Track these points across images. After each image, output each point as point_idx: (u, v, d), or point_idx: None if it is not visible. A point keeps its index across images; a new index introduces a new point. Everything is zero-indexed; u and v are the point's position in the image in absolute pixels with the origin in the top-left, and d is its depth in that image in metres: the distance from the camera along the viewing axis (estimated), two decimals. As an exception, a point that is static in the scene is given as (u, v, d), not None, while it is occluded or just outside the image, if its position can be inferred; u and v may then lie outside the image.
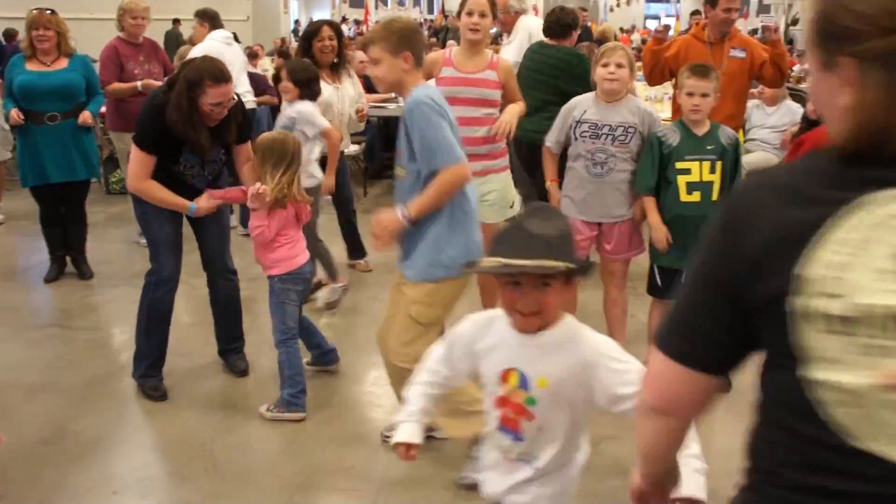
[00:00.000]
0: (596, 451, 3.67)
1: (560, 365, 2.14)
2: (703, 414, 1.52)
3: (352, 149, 7.09)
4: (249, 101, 6.74)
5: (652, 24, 40.16)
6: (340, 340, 4.71)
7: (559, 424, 2.21)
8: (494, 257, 2.02)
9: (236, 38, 7.49)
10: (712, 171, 4.03)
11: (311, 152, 4.99)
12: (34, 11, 5.66)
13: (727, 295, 1.31)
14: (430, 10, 46.28)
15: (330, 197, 5.74)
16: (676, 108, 5.59)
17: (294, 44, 13.58)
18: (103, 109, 6.48)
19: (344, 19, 29.62)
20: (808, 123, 4.91)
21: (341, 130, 5.49)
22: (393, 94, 6.11)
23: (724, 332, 1.35)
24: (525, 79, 5.38)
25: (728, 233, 1.34)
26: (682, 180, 4.04)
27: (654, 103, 8.02)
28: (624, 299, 4.52)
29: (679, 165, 4.03)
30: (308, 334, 4.32)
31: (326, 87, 5.35)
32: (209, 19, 7.19)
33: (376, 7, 36.42)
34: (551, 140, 4.34)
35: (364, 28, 24.39)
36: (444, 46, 14.04)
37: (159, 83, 5.76)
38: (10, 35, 12.50)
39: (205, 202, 4.09)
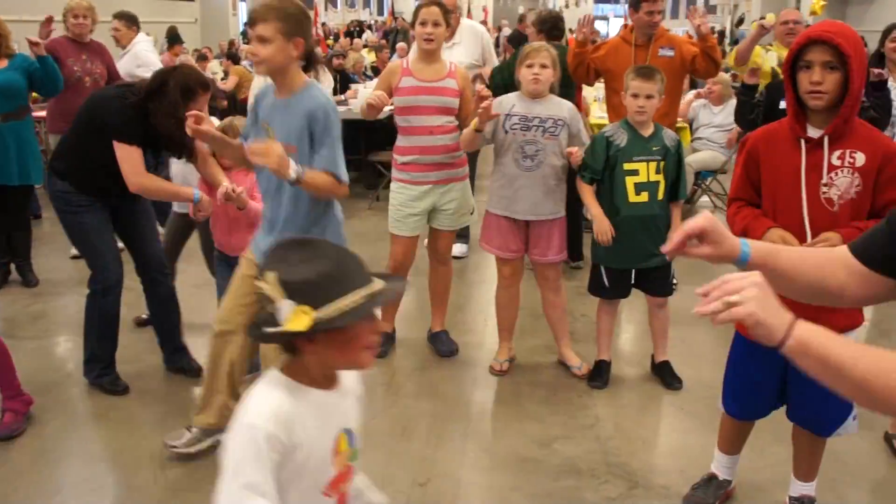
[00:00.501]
0: (548, 451, 3.73)
1: (356, 403, 1.98)
2: None
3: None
4: None
5: (601, 26, 40.53)
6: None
7: None
8: (354, 292, 1.68)
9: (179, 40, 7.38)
10: (658, 171, 4.08)
11: None
12: None
13: None
14: (381, 12, 46.23)
15: None
16: (609, 109, 5.69)
17: (244, 46, 13.46)
18: (44, 113, 6.36)
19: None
20: (748, 123, 4.98)
21: None
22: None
23: None
24: None
25: None
26: (630, 181, 4.07)
27: (601, 104, 8.10)
28: (562, 301, 4.54)
29: (627, 167, 4.06)
30: None
31: None
32: (135, 22, 7.11)
33: (325, 9, 36.30)
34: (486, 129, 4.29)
35: (313, 30, 24.24)
36: (393, 48, 14.13)
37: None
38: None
39: (206, 194, 4.10)
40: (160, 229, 4.77)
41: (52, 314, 5.45)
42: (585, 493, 3.42)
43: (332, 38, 21.98)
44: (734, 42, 19.82)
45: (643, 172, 4.07)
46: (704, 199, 8.45)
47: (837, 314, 2.79)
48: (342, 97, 9.04)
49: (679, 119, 6.69)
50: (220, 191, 3.87)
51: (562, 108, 4.16)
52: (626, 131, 4.10)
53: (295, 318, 1.65)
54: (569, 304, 5.47)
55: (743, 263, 1.74)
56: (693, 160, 7.58)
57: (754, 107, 4.85)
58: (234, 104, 10.45)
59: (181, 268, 4.99)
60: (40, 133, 7.15)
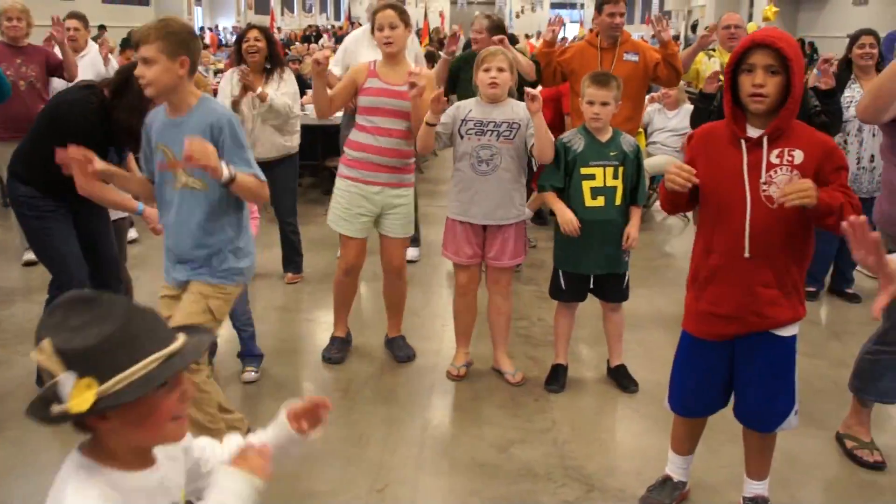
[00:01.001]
0: (506, 455, 3.74)
1: (180, 467, 1.79)
2: None
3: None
4: None
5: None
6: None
7: None
8: (149, 357, 1.50)
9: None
10: (615, 176, 4.10)
11: None
12: None
13: None
14: (337, 17, 46.14)
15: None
16: (573, 112, 5.75)
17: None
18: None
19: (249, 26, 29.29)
20: (696, 121, 5.07)
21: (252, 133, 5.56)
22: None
23: None
24: None
25: None
26: (586, 186, 4.09)
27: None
28: (509, 308, 4.54)
29: (584, 171, 4.08)
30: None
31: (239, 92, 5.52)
32: (87, 22, 7.04)
33: (282, 14, 36.17)
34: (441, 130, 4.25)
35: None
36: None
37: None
38: None
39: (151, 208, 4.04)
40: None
41: (3, 322, 5.36)
42: (542, 497, 3.43)
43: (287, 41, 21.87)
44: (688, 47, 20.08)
45: (599, 177, 4.09)
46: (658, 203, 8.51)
47: (782, 308, 2.89)
48: (300, 102, 8.98)
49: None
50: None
51: (518, 111, 4.16)
52: (583, 137, 4.13)
53: (77, 393, 1.43)
54: (525, 309, 5.52)
55: None
56: (647, 164, 7.61)
57: (710, 113, 4.92)
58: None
59: (134, 275, 4.93)
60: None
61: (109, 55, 7.23)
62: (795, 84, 2.69)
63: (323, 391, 4.38)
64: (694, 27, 27.91)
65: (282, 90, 5.65)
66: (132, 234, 6.88)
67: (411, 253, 6.13)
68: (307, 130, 9.02)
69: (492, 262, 4.35)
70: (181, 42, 3.09)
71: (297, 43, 20.80)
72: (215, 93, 5.95)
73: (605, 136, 4.13)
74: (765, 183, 2.79)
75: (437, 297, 5.75)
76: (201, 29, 27.84)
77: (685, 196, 2.92)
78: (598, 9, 5.62)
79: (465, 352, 4.57)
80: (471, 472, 3.60)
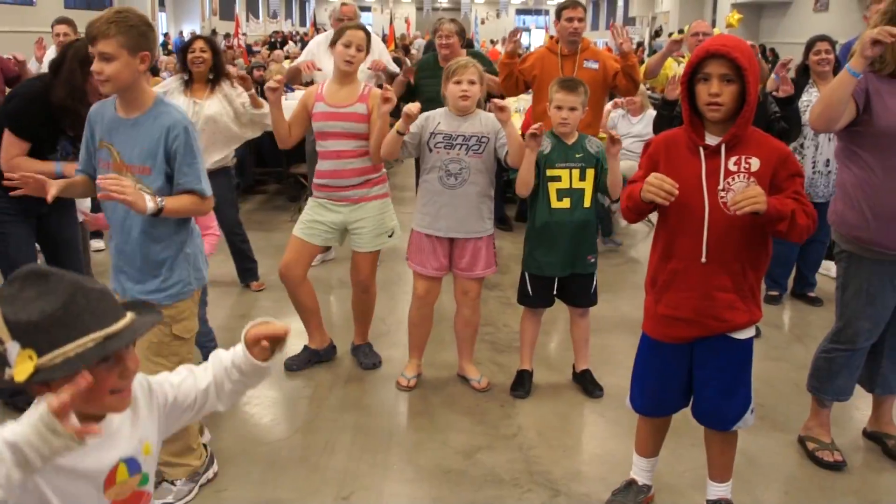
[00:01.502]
0: (471, 461, 3.74)
1: (151, 421, 1.86)
2: None
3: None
4: None
5: (523, 37, 40.93)
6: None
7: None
8: (87, 336, 1.56)
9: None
10: (582, 178, 4.12)
11: None
12: None
13: None
14: (303, 23, 46.03)
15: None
16: (526, 124, 5.80)
17: (162, 57, 13.28)
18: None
19: (214, 32, 29.14)
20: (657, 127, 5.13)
21: None
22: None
23: None
24: None
25: None
26: (552, 187, 4.12)
27: (522, 115, 8.17)
28: (477, 320, 4.53)
29: (550, 173, 4.11)
30: None
31: (178, 100, 5.45)
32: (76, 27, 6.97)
33: (247, 20, 36.02)
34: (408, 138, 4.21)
35: (234, 41, 23.93)
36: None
37: None
38: None
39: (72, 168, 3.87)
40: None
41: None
42: (508, 503, 3.44)
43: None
44: (653, 53, 20.25)
45: (565, 179, 4.12)
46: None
47: (740, 311, 2.94)
48: (265, 109, 8.95)
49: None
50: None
51: (486, 124, 4.16)
52: (550, 140, 4.16)
53: (19, 363, 1.51)
54: (491, 315, 5.53)
55: None
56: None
57: (673, 119, 4.96)
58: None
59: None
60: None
61: None
62: (750, 92, 2.74)
63: (289, 398, 4.37)
64: (658, 33, 28.15)
65: (241, 100, 5.61)
66: (99, 244, 6.82)
67: None
68: (271, 137, 9.01)
69: (464, 274, 4.32)
70: (142, 35, 2.93)
71: (261, 49, 20.71)
72: None
73: (571, 139, 4.15)
74: (722, 190, 2.83)
75: (404, 304, 5.72)
76: (165, 35, 27.65)
77: (651, 208, 2.95)
78: (557, 15, 5.71)
79: (418, 363, 4.55)
80: (436, 478, 3.60)
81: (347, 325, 4.96)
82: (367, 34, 4.44)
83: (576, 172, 4.12)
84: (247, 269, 6.11)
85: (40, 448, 1.45)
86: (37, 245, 4.24)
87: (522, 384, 4.40)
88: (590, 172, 4.12)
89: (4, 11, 18.47)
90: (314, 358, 4.73)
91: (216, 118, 5.50)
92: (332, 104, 4.36)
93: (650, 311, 3.10)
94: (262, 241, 7.05)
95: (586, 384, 4.43)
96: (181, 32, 30.60)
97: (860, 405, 4.17)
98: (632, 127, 8.08)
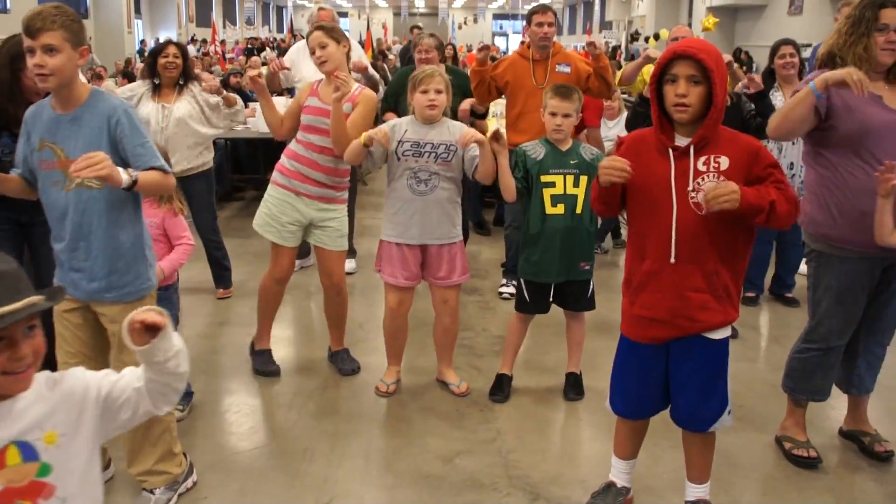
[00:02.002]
0: (450, 466, 3.74)
1: (65, 411, 1.85)
2: None
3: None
4: None
5: (500, 41, 41.10)
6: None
7: (80, 476, 1.86)
8: None
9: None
10: (575, 184, 4.13)
11: None
12: None
13: None
14: (280, 29, 45.95)
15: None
16: (507, 124, 5.82)
17: (139, 64, 13.24)
18: None
19: (193, 39, 29.05)
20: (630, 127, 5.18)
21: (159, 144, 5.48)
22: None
23: None
24: None
25: None
26: (546, 193, 4.13)
27: (500, 119, 8.18)
28: (456, 327, 4.53)
29: (544, 179, 4.12)
30: None
31: (147, 105, 5.53)
32: None
33: (224, 27, 35.92)
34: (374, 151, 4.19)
35: (210, 48, 23.86)
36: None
37: None
38: None
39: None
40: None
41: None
42: (488, 507, 3.45)
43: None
44: (630, 57, 20.32)
45: (559, 185, 4.13)
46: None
47: (714, 312, 2.95)
48: (237, 107, 8.93)
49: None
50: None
51: (455, 132, 4.16)
52: (544, 146, 4.17)
53: None
54: (470, 320, 5.54)
55: None
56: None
57: (647, 117, 4.99)
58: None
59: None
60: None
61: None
62: (717, 93, 2.76)
63: (267, 405, 4.36)
64: (634, 37, 28.29)
65: (214, 100, 5.64)
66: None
67: (349, 265, 6.12)
68: (250, 145, 9.04)
69: (442, 283, 4.31)
70: (81, 30, 2.94)
71: (239, 56, 20.66)
72: None
73: (565, 146, 4.17)
74: (692, 190, 2.85)
75: (381, 310, 5.69)
76: (142, 42, 27.49)
77: (617, 196, 2.98)
78: (528, 20, 5.73)
79: (397, 369, 4.56)
80: (416, 484, 3.60)
81: (325, 331, 4.94)
82: (325, 29, 4.42)
83: (570, 178, 4.13)
84: (219, 275, 6.09)
85: None
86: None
87: (501, 388, 4.40)
88: (583, 179, 4.13)
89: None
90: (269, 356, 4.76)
91: (186, 119, 5.55)
92: (326, 101, 4.36)
93: (626, 312, 3.11)
94: (240, 248, 7.03)
95: (567, 387, 4.44)
96: (157, 39, 30.48)
97: (836, 405, 4.20)
98: (608, 130, 8.10)
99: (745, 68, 16.51)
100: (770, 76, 5.69)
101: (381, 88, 7.68)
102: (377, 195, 9.59)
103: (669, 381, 3.10)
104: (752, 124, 4.91)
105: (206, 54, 18.87)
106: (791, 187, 2.90)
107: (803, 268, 6.20)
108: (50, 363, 2.94)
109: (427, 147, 4.09)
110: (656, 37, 19.12)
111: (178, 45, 5.71)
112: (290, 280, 4.68)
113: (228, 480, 3.62)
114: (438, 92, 4.08)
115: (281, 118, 4.50)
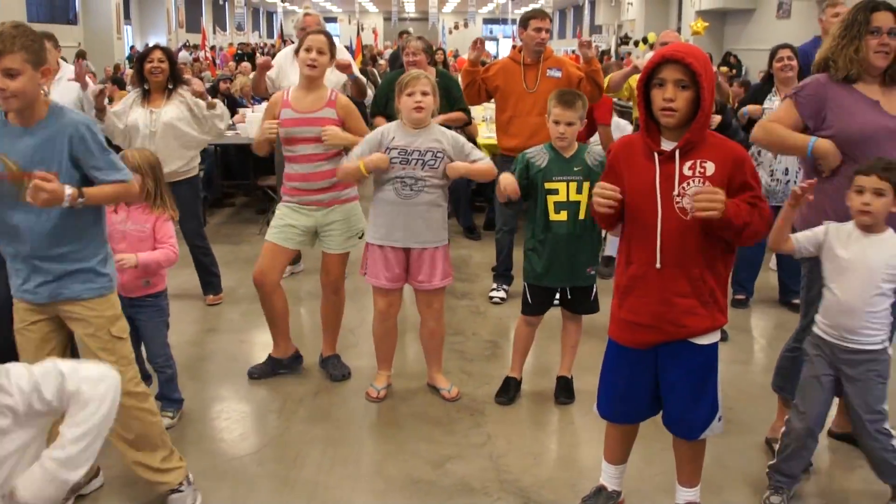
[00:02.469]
0: (441, 471, 3.74)
1: None
2: None
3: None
4: None
5: (490, 47, 41.12)
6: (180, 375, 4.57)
7: None
8: None
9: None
10: (579, 191, 4.12)
11: None
12: None
13: None
14: (270, 35, 45.92)
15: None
16: (497, 128, 5.82)
17: (129, 70, 13.22)
18: None
19: (186, 45, 29.00)
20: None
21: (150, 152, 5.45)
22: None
23: None
24: None
25: None
26: (550, 200, 4.13)
27: (489, 123, 8.20)
28: (442, 331, 4.54)
29: (548, 186, 4.12)
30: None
31: (137, 111, 5.52)
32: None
33: (213, 32, 35.89)
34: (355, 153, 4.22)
35: (200, 53, 23.84)
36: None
37: None
38: None
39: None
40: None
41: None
42: (479, 512, 3.44)
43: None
44: (620, 59, 20.38)
45: (563, 192, 4.11)
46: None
47: (700, 317, 2.95)
48: (231, 122, 8.92)
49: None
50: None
51: (442, 138, 4.16)
52: (548, 153, 4.16)
53: None
54: (460, 324, 5.54)
55: None
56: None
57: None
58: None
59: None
60: None
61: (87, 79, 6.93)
62: (705, 98, 2.75)
63: (257, 411, 4.35)
64: (624, 41, 28.35)
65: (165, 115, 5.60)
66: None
67: None
68: (239, 151, 9.00)
69: (424, 286, 4.30)
70: (42, 49, 2.91)
71: (228, 62, 20.63)
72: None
73: (569, 152, 4.16)
74: (678, 195, 2.85)
75: (371, 316, 5.72)
76: (132, 48, 27.42)
77: (617, 212, 2.98)
78: (524, 24, 5.71)
79: (387, 374, 4.55)
80: (406, 489, 3.59)
81: (316, 336, 4.94)
82: (329, 38, 4.46)
83: (573, 185, 4.11)
84: (207, 282, 6.08)
85: None
86: None
87: (507, 391, 4.41)
88: (587, 185, 4.10)
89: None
90: (277, 367, 4.72)
91: (174, 123, 5.52)
92: (300, 110, 4.37)
93: (614, 315, 3.11)
94: (230, 255, 7.02)
95: (558, 390, 4.44)
96: (147, 45, 30.44)
97: (826, 407, 4.20)
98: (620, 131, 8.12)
99: (734, 71, 16.61)
100: (769, 80, 5.78)
101: (370, 92, 7.69)
102: (365, 200, 9.55)
103: (660, 387, 3.10)
104: (739, 134, 4.95)
105: (196, 60, 18.84)
106: (767, 204, 2.89)
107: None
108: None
109: (414, 154, 4.09)
110: (644, 41, 19.17)
111: (163, 49, 5.69)
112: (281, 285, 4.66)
113: (219, 487, 3.61)
114: (425, 94, 4.08)
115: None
